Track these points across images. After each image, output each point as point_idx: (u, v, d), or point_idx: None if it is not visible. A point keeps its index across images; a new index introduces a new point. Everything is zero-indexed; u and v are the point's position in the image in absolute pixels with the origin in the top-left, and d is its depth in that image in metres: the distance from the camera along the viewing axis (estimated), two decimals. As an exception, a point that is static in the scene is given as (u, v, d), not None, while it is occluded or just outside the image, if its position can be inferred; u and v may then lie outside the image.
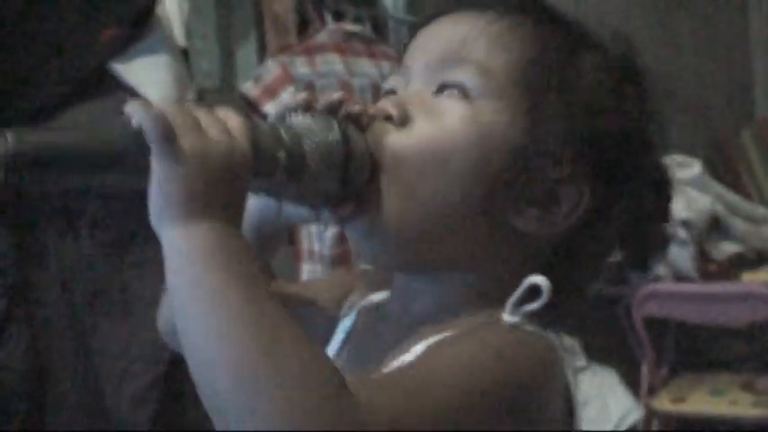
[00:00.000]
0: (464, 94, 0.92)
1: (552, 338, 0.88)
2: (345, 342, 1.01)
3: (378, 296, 1.02)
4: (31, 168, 0.76)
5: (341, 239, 2.62)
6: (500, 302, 0.88)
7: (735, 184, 3.62)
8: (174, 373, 2.44)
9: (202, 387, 0.73)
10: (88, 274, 2.38)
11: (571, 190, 0.92)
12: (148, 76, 2.36)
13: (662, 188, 0.99)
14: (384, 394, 0.75)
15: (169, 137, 0.77)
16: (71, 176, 0.79)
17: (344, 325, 1.03)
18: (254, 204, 0.97)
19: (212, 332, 0.74)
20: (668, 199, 1.00)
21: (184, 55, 2.56)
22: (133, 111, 0.78)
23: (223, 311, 0.74)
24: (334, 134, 0.88)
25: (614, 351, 3.28)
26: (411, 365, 0.82)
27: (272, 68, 2.62)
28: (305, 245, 2.64)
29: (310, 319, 1.04)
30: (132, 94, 2.37)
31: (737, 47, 4.56)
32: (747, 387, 3.26)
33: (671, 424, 3.26)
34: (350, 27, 2.83)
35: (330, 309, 1.06)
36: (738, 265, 3.17)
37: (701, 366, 3.54)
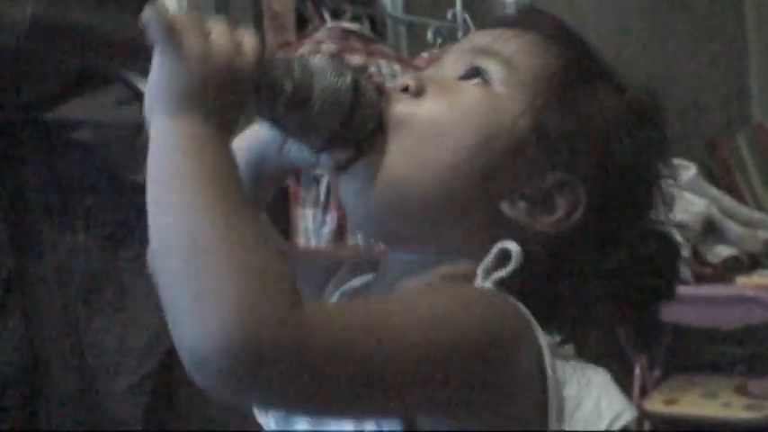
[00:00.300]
0: (485, 80, 0.95)
1: (524, 309, 0.88)
2: None
3: (359, 280, 1.03)
4: (45, 35, 0.81)
5: (338, 235, 2.62)
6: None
7: (730, 188, 3.63)
8: (167, 368, 2.45)
9: (159, 273, 0.76)
10: (83, 268, 2.38)
11: (567, 197, 0.93)
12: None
13: (665, 251, 0.99)
14: (336, 316, 0.76)
15: (171, 34, 0.80)
16: (80, 52, 0.85)
17: None
18: (257, 139, 0.99)
19: (179, 211, 0.76)
20: (672, 265, 1.00)
21: (183, 50, 2.57)
22: (146, 9, 0.82)
23: (193, 196, 0.76)
24: (346, 80, 0.90)
25: (607, 352, 3.28)
26: (372, 301, 0.86)
27: (270, 65, 2.62)
28: (302, 241, 2.64)
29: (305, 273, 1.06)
30: (132, 88, 2.38)
31: (734, 50, 4.56)
32: (740, 390, 3.27)
33: (663, 425, 3.27)
34: (348, 25, 2.84)
35: (318, 280, 1.08)
36: (733, 268, 3.18)
37: (693, 369, 3.55)
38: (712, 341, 3.62)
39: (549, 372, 0.86)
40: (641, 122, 0.97)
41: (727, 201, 3.27)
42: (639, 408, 3.18)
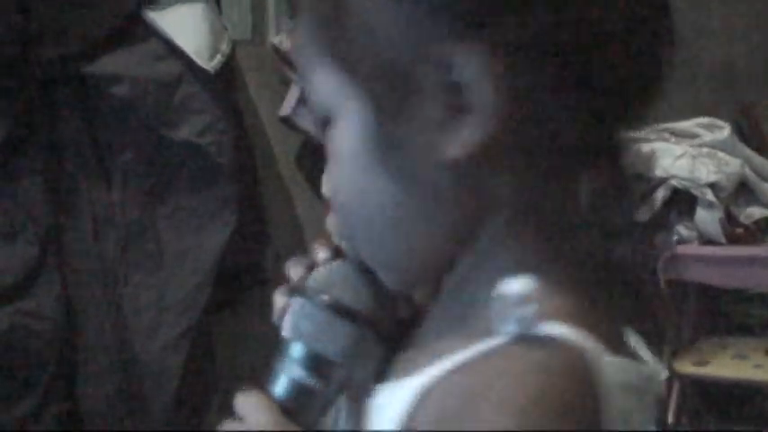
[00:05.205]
0: (326, 124, 0.78)
1: (573, 337, 0.69)
2: None
3: None
4: None
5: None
6: (469, 295, 0.75)
7: (761, 150, 3.61)
8: (204, 325, 2.47)
9: None
10: (120, 224, 2.40)
11: (470, 82, 0.69)
12: (183, 25, 2.37)
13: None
14: None
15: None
16: None
17: None
18: None
19: None
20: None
21: (216, 5, 2.57)
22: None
23: None
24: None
25: (637, 313, 3.27)
26: None
27: (303, 23, 2.62)
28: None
29: None
30: (166, 42, 2.38)
31: (766, 7, 4.52)
32: (772, 352, 3.26)
33: (693, 387, 3.26)
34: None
35: None
36: (765, 229, 3.16)
37: (724, 331, 3.54)
38: (743, 303, 3.60)
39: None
40: None
41: (760, 161, 3.25)
42: (670, 369, 3.18)
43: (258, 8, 2.85)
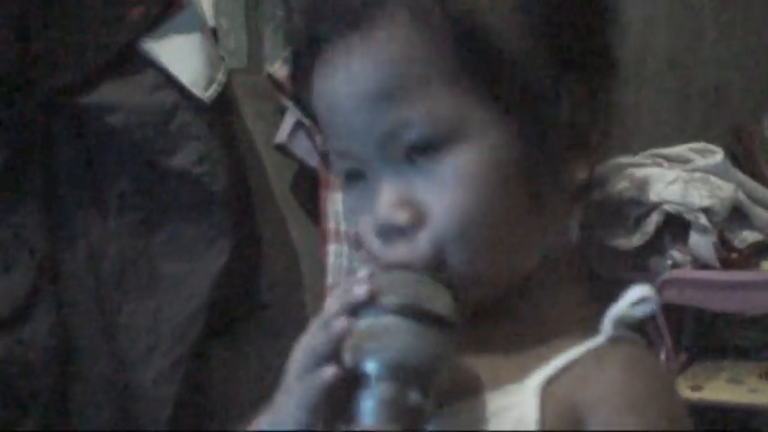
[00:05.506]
0: (432, 146, 0.81)
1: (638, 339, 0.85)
2: None
3: None
4: None
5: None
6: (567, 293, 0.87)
7: (754, 174, 3.62)
8: (199, 353, 2.47)
9: None
10: (116, 253, 2.41)
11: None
12: (179, 55, 2.38)
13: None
14: None
15: None
16: None
17: None
18: None
19: None
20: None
21: (212, 35, 2.58)
22: None
23: None
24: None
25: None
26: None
27: (298, 51, 2.63)
28: (331, 225, 2.65)
29: None
30: (162, 72, 2.39)
31: (759, 32, 4.54)
32: (767, 376, 3.26)
33: (689, 412, 3.26)
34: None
35: None
36: (759, 253, 3.17)
37: (719, 355, 3.54)
38: (738, 327, 3.61)
39: None
40: None
41: (753, 186, 3.26)
42: (665, 393, 3.17)
43: (254, 37, 2.87)
